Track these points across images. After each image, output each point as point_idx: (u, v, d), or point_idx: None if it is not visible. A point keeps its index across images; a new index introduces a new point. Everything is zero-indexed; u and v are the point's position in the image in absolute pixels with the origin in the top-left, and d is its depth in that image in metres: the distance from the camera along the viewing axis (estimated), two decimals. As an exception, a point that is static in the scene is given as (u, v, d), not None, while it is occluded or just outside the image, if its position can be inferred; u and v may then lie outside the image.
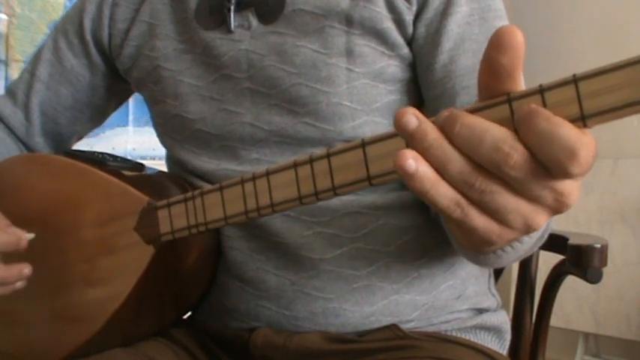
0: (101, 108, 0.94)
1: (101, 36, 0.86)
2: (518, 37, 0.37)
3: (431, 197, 0.40)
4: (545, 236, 0.63)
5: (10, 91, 0.93)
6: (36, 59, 0.91)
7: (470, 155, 0.38)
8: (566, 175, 0.37)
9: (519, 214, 0.39)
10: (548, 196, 0.38)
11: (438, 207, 0.40)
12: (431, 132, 0.39)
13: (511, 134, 0.38)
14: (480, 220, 0.40)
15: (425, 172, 0.39)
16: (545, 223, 0.40)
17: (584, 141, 0.36)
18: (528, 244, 0.59)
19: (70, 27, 0.89)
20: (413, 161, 0.39)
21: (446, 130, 0.39)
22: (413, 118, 0.40)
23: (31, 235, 0.70)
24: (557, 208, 0.39)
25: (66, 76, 0.89)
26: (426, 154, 0.39)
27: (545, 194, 0.38)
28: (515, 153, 0.37)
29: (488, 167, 0.38)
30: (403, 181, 0.40)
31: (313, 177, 0.49)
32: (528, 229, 0.40)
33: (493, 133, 0.38)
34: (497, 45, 0.38)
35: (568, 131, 0.36)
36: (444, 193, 0.40)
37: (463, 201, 0.40)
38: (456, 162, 0.39)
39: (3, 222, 0.70)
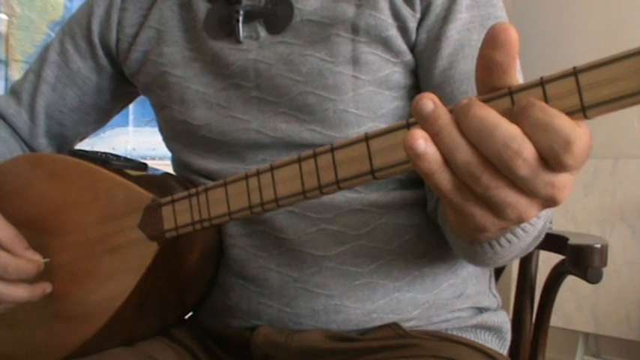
0: (106, 110, 0.94)
1: (109, 39, 0.86)
2: (513, 35, 0.37)
3: (435, 179, 0.40)
4: (542, 236, 0.64)
5: (14, 91, 0.92)
6: (41, 60, 0.91)
7: (478, 148, 0.39)
8: (561, 166, 0.37)
9: (516, 208, 0.40)
10: (545, 190, 0.39)
11: (440, 190, 0.41)
12: (443, 117, 0.39)
13: (521, 132, 0.38)
14: (476, 208, 0.41)
15: (433, 154, 0.39)
16: (535, 216, 0.42)
17: (578, 132, 0.37)
18: (524, 240, 0.59)
19: (77, 29, 0.89)
20: (423, 141, 0.39)
21: (459, 118, 0.39)
22: (429, 101, 0.40)
23: (46, 260, 0.72)
24: (550, 202, 0.40)
25: (72, 79, 0.89)
26: (435, 138, 0.39)
27: (542, 189, 0.39)
28: (525, 151, 0.38)
29: (495, 163, 0.39)
30: (410, 161, 0.40)
31: (317, 171, 0.49)
32: (520, 221, 0.42)
33: (504, 129, 0.38)
34: (491, 42, 0.38)
35: (563, 122, 0.37)
36: (447, 178, 0.40)
37: (465, 189, 0.40)
38: (464, 151, 0.39)
39: (20, 244, 0.71)
